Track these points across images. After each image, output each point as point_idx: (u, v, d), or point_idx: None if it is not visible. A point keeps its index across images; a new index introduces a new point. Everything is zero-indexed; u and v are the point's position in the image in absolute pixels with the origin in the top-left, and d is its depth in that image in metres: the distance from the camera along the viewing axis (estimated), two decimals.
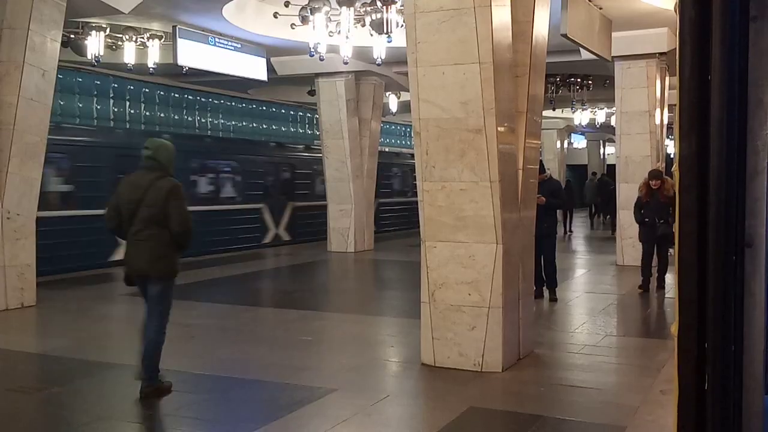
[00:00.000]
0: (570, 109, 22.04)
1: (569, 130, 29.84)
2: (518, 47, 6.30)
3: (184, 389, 5.69)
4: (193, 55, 11.75)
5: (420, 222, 6.17)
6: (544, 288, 9.58)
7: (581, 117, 23.31)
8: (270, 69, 14.49)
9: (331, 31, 11.21)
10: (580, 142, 36.59)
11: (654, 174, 10.19)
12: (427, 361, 6.19)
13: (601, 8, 10.71)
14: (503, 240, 5.93)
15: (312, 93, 17.00)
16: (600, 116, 24.99)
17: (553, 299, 9.54)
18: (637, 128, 12.93)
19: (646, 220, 10.11)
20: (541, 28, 6.66)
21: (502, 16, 5.86)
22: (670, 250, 10.17)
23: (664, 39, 12.08)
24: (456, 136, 5.88)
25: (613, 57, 11.89)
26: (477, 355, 5.99)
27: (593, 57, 11.59)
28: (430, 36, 5.80)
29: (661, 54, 12.45)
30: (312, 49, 11.19)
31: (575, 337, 7.59)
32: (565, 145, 30.61)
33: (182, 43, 11.42)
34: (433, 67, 5.84)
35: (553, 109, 21.26)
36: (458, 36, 5.72)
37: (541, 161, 7.97)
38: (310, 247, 17.02)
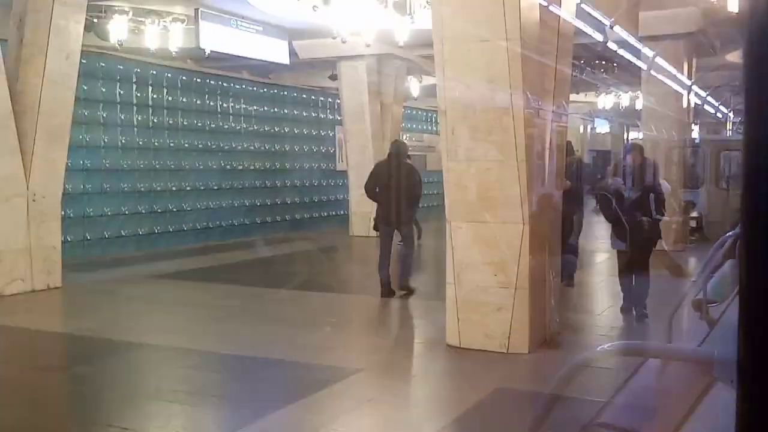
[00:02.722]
0: (594, 93, 21.77)
1: (593, 114, 29.51)
2: (546, 25, 6.19)
3: (210, 368, 5.71)
4: (215, 38, 11.73)
5: (445, 202, 6.11)
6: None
7: (605, 101, 23.03)
8: (292, 53, 14.44)
9: (353, 14, 11.13)
10: (603, 126, 36.16)
11: (633, 146, 7.94)
12: (453, 343, 6.14)
13: None
14: (530, 220, 5.85)
15: (334, 77, 16.95)
16: (624, 100, 24.66)
17: (570, 284, 9.04)
18: (665, 110, 12.74)
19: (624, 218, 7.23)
20: (568, 7, 6.54)
21: None
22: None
23: (691, 19, 11.84)
24: (482, 114, 5.79)
25: (640, 36, 11.68)
26: (503, 336, 5.93)
27: (619, 38, 11.39)
28: (457, 12, 5.71)
29: (689, 34, 12.22)
30: (334, 32, 11.11)
31: (601, 320, 7.51)
32: (588, 129, 30.30)
33: (204, 26, 11.40)
34: (459, 43, 5.76)
35: (576, 93, 21.01)
36: (486, 12, 5.63)
37: (569, 143, 7.85)
38: (332, 232, 17.02)
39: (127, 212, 14.68)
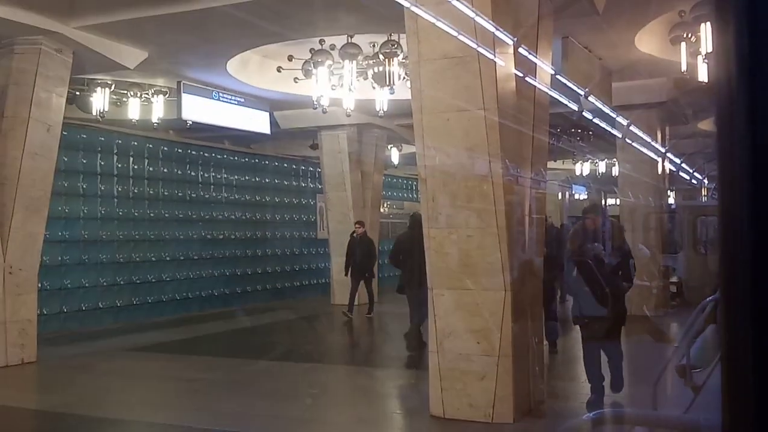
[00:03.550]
0: (571, 160, 22.15)
1: (570, 180, 29.93)
2: (522, 95, 6.34)
3: None
4: (197, 109, 11.87)
5: (427, 270, 6.10)
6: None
7: (582, 168, 23.42)
8: (273, 123, 14.61)
9: (333, 85, 11.34)
10: (581, 193, 36.65)
11: (592, 208, 7.14)
12: (437, 413, 6.03)
13: (600, 58, 10.84)
14: (511, 287, 5.84)
15: (314, 147, 17.12)
16: (601, 167, 25.10)
17: (553, 351, 9.10)
18: (640, 176, 12.97)
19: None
20: (543, 77, 6.71)
21: (506, 63, 5.90)
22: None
23: (663, 89, 12.20)
24: (462, 182, 5.85)
25: (614, 106, 11.99)
26: (487, 405, 5.84)
27: (594, 107, 11.68)
28: (435, 83, 5.83)
29: (660, 103, 12.56)
30: (315, 102, 11.28)
31: (586, 387, 7.41)
32: (567, 196, 30.68)
33: (186, 98, 11.54)
34: (438, 114, 5.86)
35: (555, 160, 21.37)
36: (463, 83, 5.76)
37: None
38: (313, 301, 16.88)
39: (105, 283, 14.48)
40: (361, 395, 7.39)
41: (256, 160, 21.29)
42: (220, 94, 12.39)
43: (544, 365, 6.66)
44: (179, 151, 18.57)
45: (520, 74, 6.20)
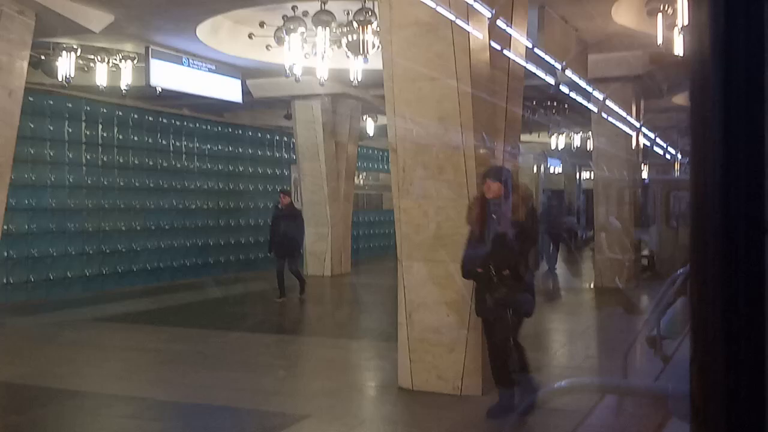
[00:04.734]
0: (547, 133, 22.12)
1: (546, 154, 30.01)
2: (496, 66, 6.22)
3: (149, 417, 5.43)
4: (166, 76, 11.58)
5: (397, 241, 6.01)
6: None
7: (557, 141, 23.40)
8: (246, 91, 14.34)
9: (306, 53, 11.12)
10: (557, 167, 36.78)
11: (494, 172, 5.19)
12: (405, 385, 5.98)
13: (576, 30, 10.74)
14: None
15: (288, 116, 16.89)
16: (576, 140, 25.12)
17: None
18: (615, 150, 12.96)
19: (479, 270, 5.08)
20: (518, 48, 6.59)
21: (479, 31, 5.77)
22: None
23: (639, 62, 12.14)
24: (433, 153, 5.75)
25: (589, 79, 11.93)
26: (456, 378, 5.80)
27: (570, 81, 11.63)
28: (407, 51, 5.69)
29: (636, 77, 12.52)
30: (288, 71, 11.06)
31: (556, 359, 7.43)
32: (542, 169, 30.77)
33: (155, 64, 11.25)
34: (409, 82, 5.73)
35: (530, 132, 21.33)
36: (435, 51, 5.62)
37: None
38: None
39: (73, 252, 14.27)
40: (330, 367, 7.33)
41: (230, 130, 21.00)
42: (190, 61, 12.11)
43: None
44: (150, 119, 18.24)
45: (495, 44, 6.07)
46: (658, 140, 18.08)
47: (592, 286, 13.52)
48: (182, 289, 14.00)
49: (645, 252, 16.35)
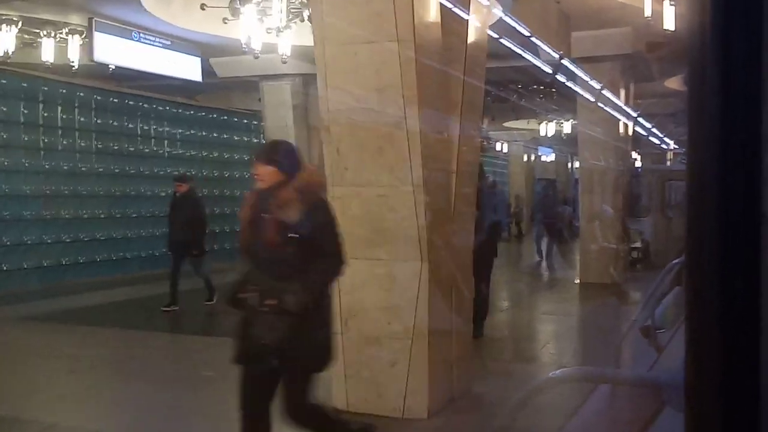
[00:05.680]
0: (536, 120, 21.26)
1: (536, 142, 29.11)
2: (451, 31, 5.31)
3: None
4: (113, 51, 10.62)
5: None
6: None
7: (547, 128, 22.49)
8: (209, 71, 13.42)
9: (269, 28, 10.17)
10: (548, 155, 35.84)
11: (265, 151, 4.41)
12: (340, 405, 5.10)
13: (558, 1, 9.80)
14: (430, 257, 4.89)
15: None
16: (566, 127, 24.20)
17: (477, 335, 7.58)
18: (603, 137, 12.07)
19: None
20: (480, 12, 5.69)
21: None
22: None
23: (627, 40, 11.19)
24: (372, 130, 4.85)
25: (573, 58, 11.00)
26: (398, 397, 4.93)
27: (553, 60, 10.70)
28: (340, 8, 4.79)
29: (625, 56, 11.56)
30: (244, 46, 10.11)
31: (516, 372, 6.55)
32: (533, 158, 29.88)
33: (100, 38, 10.29)
34: (343, 46, 4.82)
35: (516, 119, 20.46)
36: (373, 8, 4.71)
37: (480, 165, 6.89)
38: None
39: (29, 242, 13.51)
40: None
41: (203, 114, 20.15)
42: (141, 35, 11.15)
43: (470, 349, 5.68)
44: (114, 101, 17.36)
45: (447, 3, 5.16)
46: (648, 125, 17.24)
47: (577, 281, 12.67)
48: (147, 281, 13.17)
49: (636, 244, 16.01)
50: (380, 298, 4.95)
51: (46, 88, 15.65)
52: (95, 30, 10.27)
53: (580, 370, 5.17)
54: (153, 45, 11.37)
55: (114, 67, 11.66)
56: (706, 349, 0.95)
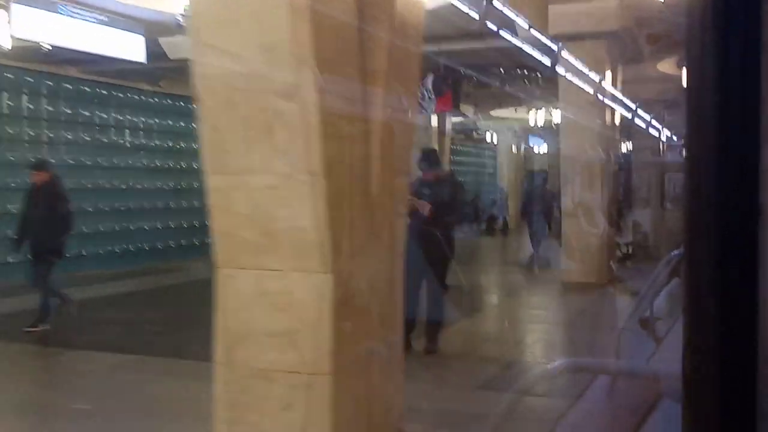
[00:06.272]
0: (525, 108, 20.18)
1: (526, 132, 27.95)
2: None
3: None
4: (35, 26, 9.46)
5: (211, 237, 4.00)
6: (415, 337, 6.62)
7: (536, 117, 21.33)
8: (160, 53, 12.31)
9: None
10: (540, 146, 34.64)
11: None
12: None
13: None
14: (336, 267, 3.77)
15: None
16: (556, 116, 23.03)
17: (431, 350, 6.73)
18: (588, 124, 10.96)
19: None
20: None
21: None
22: None
23: (612, 15, 10.03)
24: (257, 101, 3.72)
25: (551, 36, 9.84)
26: None
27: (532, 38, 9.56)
28: None
29: (610, 33, 10.40)
30: (180, 20, 9.00)
31: (474, 400, 5.45)
32: (522, 148, 28.73)
33: (18, 10, 9.13)
34: None
35: (500, 106, 19.37)
36: None
37: (433, 152, 5.78)
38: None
39: None
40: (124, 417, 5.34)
41: (169, 101, 19.05)
42: (70, 9, 9.98)
43: (406, 377, 4.52)
44: (68, 86, 16.25)
45: None
46: (641, 113, 16.21)
47: (560, 281, 11.61)
48: (110, 279, 12.18)
49: (628, 239, 15.35)
50: (272, 320, 3.82)
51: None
52: (13, 1, 9.12)
53: (580, 362, 5.31)
54: (86, 20, 10.22)
55: (49, 47, 10.62)
56: (705, 340, 0.96)
